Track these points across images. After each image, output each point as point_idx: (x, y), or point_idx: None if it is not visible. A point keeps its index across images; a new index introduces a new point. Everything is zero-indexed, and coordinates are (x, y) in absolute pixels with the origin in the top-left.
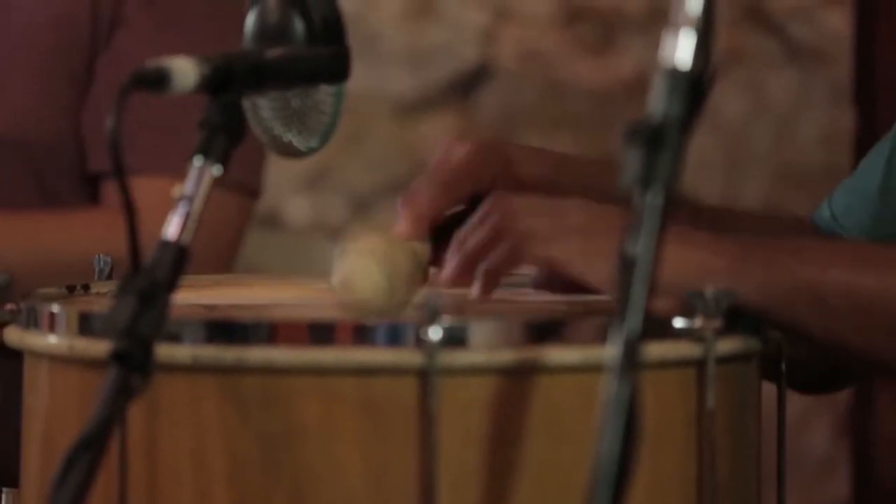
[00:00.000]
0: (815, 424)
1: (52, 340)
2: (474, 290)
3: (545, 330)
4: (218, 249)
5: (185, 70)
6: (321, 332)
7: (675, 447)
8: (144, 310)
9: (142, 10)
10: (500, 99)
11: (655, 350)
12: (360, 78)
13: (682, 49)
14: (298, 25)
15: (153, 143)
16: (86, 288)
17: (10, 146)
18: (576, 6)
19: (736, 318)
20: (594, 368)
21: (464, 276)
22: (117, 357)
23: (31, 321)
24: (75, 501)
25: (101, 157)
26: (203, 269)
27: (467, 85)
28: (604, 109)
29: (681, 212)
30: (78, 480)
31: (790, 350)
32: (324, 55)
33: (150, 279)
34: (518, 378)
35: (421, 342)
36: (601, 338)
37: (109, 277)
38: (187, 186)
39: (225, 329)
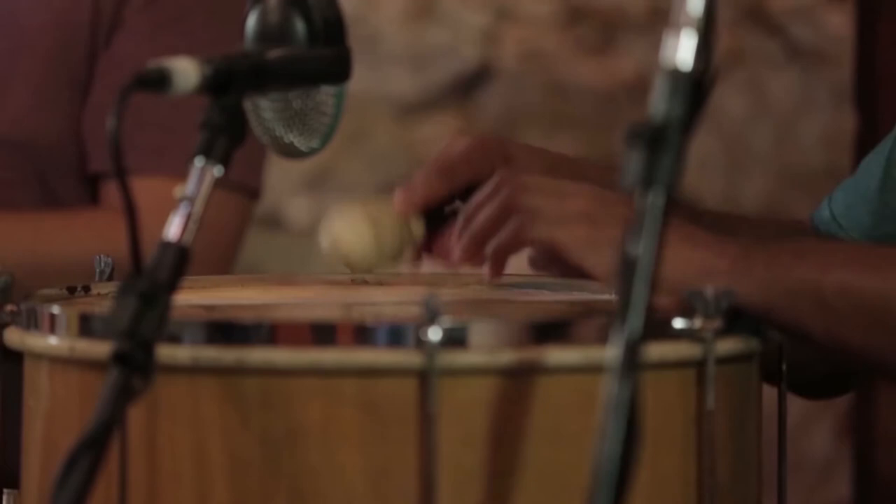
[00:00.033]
0: (815, 425)
1: (52, 342)
2: (485, 272)
3: (545, 330)
4: (218, 250)
5: (186, 71)
6: (322, 333)
7: (675, 448)
8: (145, 311)
9: (142, 12)
10: (500, 100)
11: (655, 350)
12: (361, 79)
13: (683, 50)
14: (299, 26)
15: (153, 144)
16: (86, 289)
17: (11, 147)
18: (577, 7)
19: (736, 318)
20: (594, 369)
21: (474, 255)
22: (118, 358)
23: (32, 322)
24: (76, 502)
25: (101, 158)
26: (203, 270)
27: (468, 85)
28: (605, 110)
29: (681, 216)
30: (78, 481)
31: (791, 353)
32: (325, 56)
33: (151, 280)
34: (518, 379)
35: (421, 343)
36: (602, 338)
37: (110, 278)
38: (188, 187)
39: (225, 330)
